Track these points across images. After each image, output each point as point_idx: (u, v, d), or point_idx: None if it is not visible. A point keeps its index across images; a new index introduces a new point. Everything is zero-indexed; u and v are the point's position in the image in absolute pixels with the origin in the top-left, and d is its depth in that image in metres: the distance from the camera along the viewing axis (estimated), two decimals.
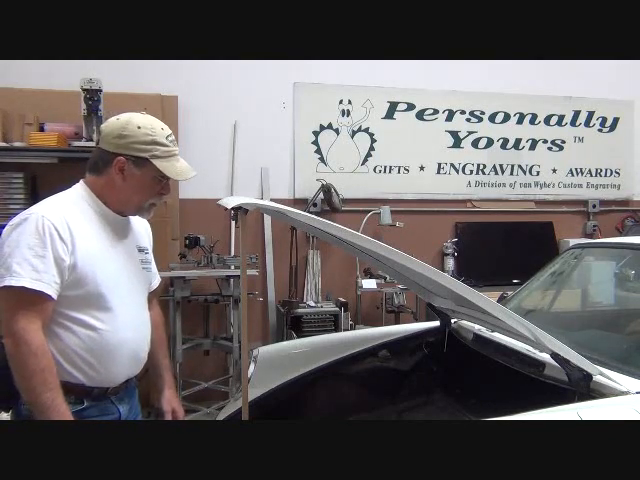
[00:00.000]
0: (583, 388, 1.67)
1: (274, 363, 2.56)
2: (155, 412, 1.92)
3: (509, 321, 1.73)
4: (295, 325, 4.06)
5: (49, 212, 1.57)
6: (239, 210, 1.62)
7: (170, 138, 1.67)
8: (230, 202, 1.64)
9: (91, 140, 3.60)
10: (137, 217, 1.87)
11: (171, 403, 1.89)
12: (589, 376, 1.67)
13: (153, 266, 1.90)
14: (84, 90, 3.53)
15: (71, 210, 1.62)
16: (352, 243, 1.92)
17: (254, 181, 4.55)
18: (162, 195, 1.71)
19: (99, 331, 1.60)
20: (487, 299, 1.69)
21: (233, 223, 4.43)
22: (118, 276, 1.66)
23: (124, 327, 1.65)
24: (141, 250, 1.80)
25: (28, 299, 1.49)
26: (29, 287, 1.48)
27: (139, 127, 1.63)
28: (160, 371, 1.92)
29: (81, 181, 1.71)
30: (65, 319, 1.57)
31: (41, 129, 3.72)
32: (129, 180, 1.65)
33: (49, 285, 1.51)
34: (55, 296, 1.53)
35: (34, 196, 3.76)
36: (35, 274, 1.49)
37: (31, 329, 1.48)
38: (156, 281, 1.94)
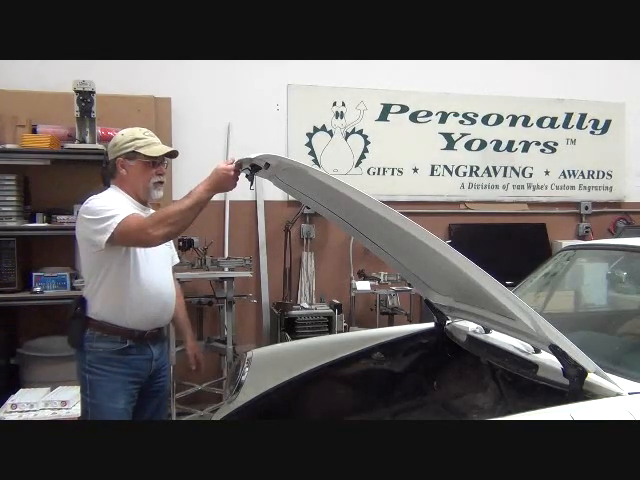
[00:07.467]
0: (576, 384, 1.66)
1: (268, 365, 2.56)
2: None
3: (509, 305, 1.73)
4: (289, 327, 4.05)
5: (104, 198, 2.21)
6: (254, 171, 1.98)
7: (147, 133, 2.26)
8: (250, 156, 1.89)
9: (84, 142, 3.58)
10: None
11: (193, 349, 2.55)
12: (584, 372, 1.66)
13: (172, 246, 2.49)
14: (77, 92, 3.52)
15: (120, 199, 2.22)
16: (370, 212, 1.89)
17: (248, 183, 4.53)
18: (160, 175, 2.26)
19: (136, 286, 2.16)
20: (491, 278, 1.73)
21: (228, 218, 4.43)
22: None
23: (152, 285, 2.19)
24: None
25: None
26: None
27: (122, 134, 2.25)
28: (183, 328, 2.59)
29: (112, 186, 2.25)
30: (119, 274, 2.15)
31: (34, 131, 3.70)
32: (130, 171, 2.22)
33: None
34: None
35: (26, 198, 3.74)
36: None
37: None
38: (176, 258, 2.56)
